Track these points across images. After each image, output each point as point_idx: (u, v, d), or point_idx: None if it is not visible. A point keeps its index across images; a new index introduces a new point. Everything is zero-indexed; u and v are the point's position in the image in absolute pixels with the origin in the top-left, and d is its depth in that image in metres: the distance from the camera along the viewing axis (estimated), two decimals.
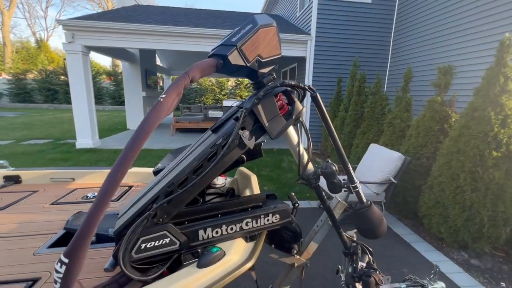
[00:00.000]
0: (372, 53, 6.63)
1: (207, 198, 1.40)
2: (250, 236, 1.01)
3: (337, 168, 1.10)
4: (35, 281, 0.87)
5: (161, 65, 14.08)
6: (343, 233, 1.31)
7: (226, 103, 9.91)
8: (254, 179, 1.38)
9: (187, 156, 0.94)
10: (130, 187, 1.76)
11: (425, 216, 3.01)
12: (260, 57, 0.85)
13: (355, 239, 1.40)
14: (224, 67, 0.80)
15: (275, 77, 0.93)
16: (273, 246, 1.28)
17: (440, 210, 2.80)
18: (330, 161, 1.13)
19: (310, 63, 6.56)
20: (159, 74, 14.05)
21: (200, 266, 0.82)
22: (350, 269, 1.32)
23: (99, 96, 19.46)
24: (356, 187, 1.08)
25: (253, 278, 1.39)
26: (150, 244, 0.83)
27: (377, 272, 1.20)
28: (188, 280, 0.78)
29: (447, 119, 3.13)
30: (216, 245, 0.92)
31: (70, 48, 5.83)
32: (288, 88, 0.94)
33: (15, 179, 1.79)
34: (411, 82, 3.78)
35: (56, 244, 1.10)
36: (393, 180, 3.05)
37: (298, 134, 1.04)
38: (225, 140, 0.85)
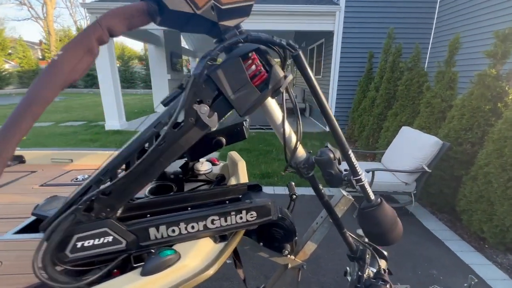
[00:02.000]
0: (411, 22, 5.77)
1: (190, 186, 1.24)
2: (220, 236, 0.83)
3: (337, 155, 0.85)
4: None
5: (186, 47, 14.07)
6: (348, 233, 1.07)
7: None
8: (241, 165, 1.18)
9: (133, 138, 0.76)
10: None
11: (464, 211, 2.58)
12: (217, 1, 0.61)
13: (365, 240, 1.16)
14: (162, 14, 0.58)
15: (244, 31, 0.68)
16: (261, 243, 1.10)
17: (484, 205, 2.36)
18: (329, 146, 0.88)
19: (339, 38, 5.94)
20: (184, 57, 14.10)
21: (144, 273, 0.66)
22: (355, 276, 1.09)
23: (132, 81, 20.34)
24: (360, 180, 0.82)
25: (241, 277, 1.23)
26: (89, 243, 0.68)
27: (388, 286, 0.95)
28: None
29: (501, 96, 2.57)
30: (173, 247, 0.76)
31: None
32: (261, 47, 0.69)
33: (19, 159, 1.80)
34: (458, 53, 3.16)
35: (24, 230, 1.03)
36: (426, 168, 2.64)
37: (283, 110, 0.80)
38: (176, 119, 0.65)
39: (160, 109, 0.71)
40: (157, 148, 0.67)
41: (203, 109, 0.67)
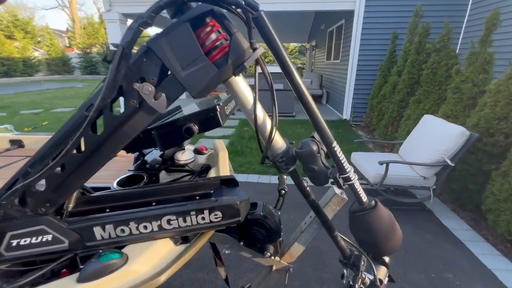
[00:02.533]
0: None
1: (174, 177, 1.15)
2: (183, 237, 0.73)
3: (321, 147, 0.70)
4: None
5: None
6: (340, 236, 0.93)
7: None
8: (222, 156, 1.06)
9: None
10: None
11: (491, 211, 2.31)
12: None
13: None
14: None
15: None
16: (241, 243, 0.99)
17: None
18: (315, 136, 0.73)
19: (359, 18, 5.47)
20: None
21: (80, 279, 0.58)
22: (347, 285, 0.96)
23: None
24: (348, 178, 0.67)
25: (222, 276, 1.14)
26: (25, 241, 0.61)
27: None
28: None
29: None
30: (125, 248, 0.67)
31: (109, 17, 5.96)
32: (216, 9, 0.55)
33: (18, 143, 1.81)
34: (497, 32, 2.75)
35: None
36: (449, 162, 2.37)
37: (254, 91, 0.66)
38: (105, 99, 0.53)
39: None
40: (93, 136, 0.56)
41: (146, 89, 0.55)
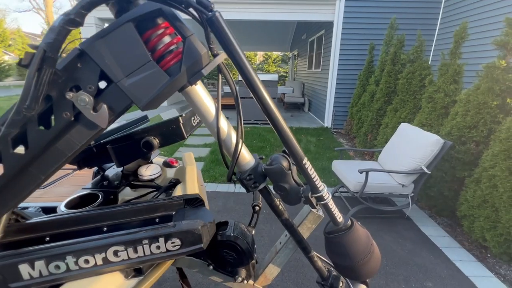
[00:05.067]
0: (416, 12, 5.45)
1: (140, 193, 1.04)
2: (135, 269, 0.63)
3: (291, 163, 0.64)
4: None
5: None
6: (317, 257, 0.87)
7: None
8: (190, 171, 0.97)
9: None
10: (74, 169, 1.47)
11: (466, 217, 2.37)
12: None
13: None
14: None
15: None
16: (211, 267, 0.90)
17: (487, 211, 2.14)
18: (285, 152, 0.67)
19: (338, 28, 5.64)
20: None
21: None
22: None
23: None
24: (321, 198, 0.61)
25: None
26: None
27: None
28: None
29: (511, 91, 2.31)
30: (63, 286, 0.56)
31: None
32: (165, 8, 0.47)
33: None
34: (465, 44, 2.89)
35: None
36: (425, 169, 2.41)
37: (216, 100, 0.59)
38: (25, 110, 0.44)
39: None
40: (14, 155, 0.46)
41: (83, 100, 0.46)
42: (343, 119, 6.06)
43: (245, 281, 0.90)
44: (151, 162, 1.11)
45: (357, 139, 4.96)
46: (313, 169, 0.60)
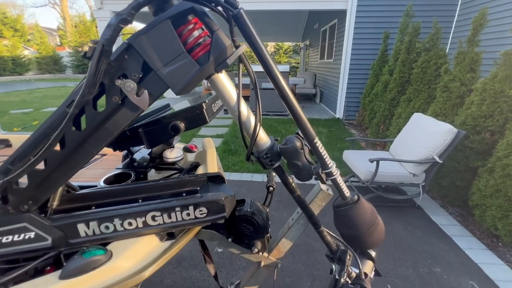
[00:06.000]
0: None
1: (163, 175, 1.15)
2: (168, 233, 0.74)
3: (305, 143, 0.71)
4: None
5: None
6: (326, 232, 0.95)
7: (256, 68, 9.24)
8: (210, 153, 1.07)
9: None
10: (103, 155, 1.61)
11: (477, 206, 2.37)
12: None
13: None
14: None
15: None
16: (230, 239, 1.00)
17: (500, 200, 2.14)
18: (299, 133, 0.74)
19: (352, 17, 5.53)
20: None
21: (62, 276, 0.58)
22: (337, 275, 0.98)
23: None
24: (331, 174, 0.69)
25: (211, 273, 1.15)
26: (7, 239, 0.60)
27: None
28: None
29: None
30: (110, 245, 0.67)
31: (100, 15, 5.89)
32: (197, 7, 0.55)
33: (5, 143, 1.78)
34: (484, 31, 2.80)
35: None
36: (437, 159, 2.42)
37: (238, 87, 0.67)
38: (87, 94, 0.53)
39: (169, 95, 0.61)
40: (75, 133, 0.56)
41: (129, 86, 0.55)
42: (355, 110, 6.00)
43: (260, 253, 1.00)
44: (173, 147, 1.22)
45: (369, 130, 4.93)
46: (323, 148, 0.68)
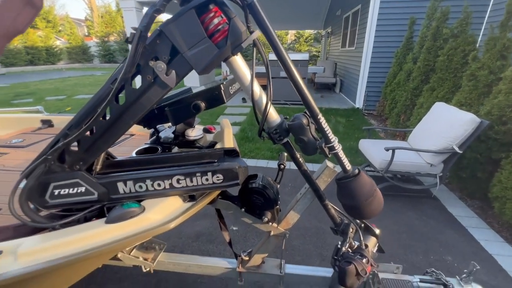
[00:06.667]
0: None
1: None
2: (190, 196, 0.86)
3: (311, 120, 0.79)
4: None
5: None
6: (331, 205, 1.03)
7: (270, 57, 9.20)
8: (227, 132, 1.17)
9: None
10: (132, 135, 1.78)
11: (497, 199, 2.31)
12: None
13: None
14: None
15: None
16: (243, 209, 1.12)
17: None
18: (307, 112, 0.82)
19: (376, 2, 5.30)
20: None
21: (107, 221, 0.72)
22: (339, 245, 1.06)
23: None
24: (333, 148, 0.77)
25: (226, 240, 1.28)
26: (64, 191, 0.75)
27: (365, 260, 0.91)
28: (88, 233, 0.69)
29: None
30: (143, 202, 0.80)
31: (125, 5, 6.12)
32: None
33: (48, 123, 2.01)
34: None
35: None
36: (457, 149, 2.37)
37: (251, 68, 0.75)
38: (128, 72, 0.65)
39: (189, 83, 0.73)
40: (117, 105, 0.68)
41: (160, 67, 0.66)
42: (376, 100, 5.84)
43: (270, 223, 1.10)
44: (194, 127, 1.34)
45: (389, 120, 4.82)
46: (326, 124, 0.75)
